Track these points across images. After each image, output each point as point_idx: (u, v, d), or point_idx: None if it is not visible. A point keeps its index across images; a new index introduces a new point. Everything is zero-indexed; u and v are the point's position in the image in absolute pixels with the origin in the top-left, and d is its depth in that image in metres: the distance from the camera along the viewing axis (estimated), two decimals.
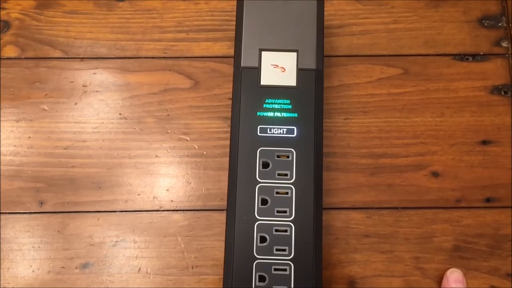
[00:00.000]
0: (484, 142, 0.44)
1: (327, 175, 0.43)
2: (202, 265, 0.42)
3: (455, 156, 0.44)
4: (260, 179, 0.38)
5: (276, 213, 0.38)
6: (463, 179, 0.44)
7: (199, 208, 0.43)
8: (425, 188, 0.44)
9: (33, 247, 0.42)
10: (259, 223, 0.38)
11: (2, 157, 0.44)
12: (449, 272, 0.41)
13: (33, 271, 0.42)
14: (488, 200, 0.43)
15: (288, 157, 0.39)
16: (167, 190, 0.43)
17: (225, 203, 0.38)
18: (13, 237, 0.42)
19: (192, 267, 0.42)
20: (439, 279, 0.41)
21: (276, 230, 0.38)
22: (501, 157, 0.44)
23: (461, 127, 0.45)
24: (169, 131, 0.45)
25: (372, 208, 0.43)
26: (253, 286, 0.37)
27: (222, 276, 0.39)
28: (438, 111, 0.45)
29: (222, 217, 0.42)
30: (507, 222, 0.43)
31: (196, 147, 0.44)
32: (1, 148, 0.44)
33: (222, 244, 0.39)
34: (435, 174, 0.44)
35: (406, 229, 0.43)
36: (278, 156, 0.39)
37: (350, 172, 0.44)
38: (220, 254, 0.41)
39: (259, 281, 0.37)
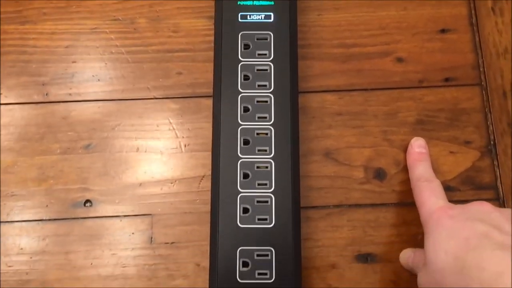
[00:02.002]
0: (443, 31, 0.49)
1: (304, 64, 0.48)
2: (193, 143, 0.47)
3: (417, 43, 0.49)
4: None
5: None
6: (424, 63, 0.49)
7: (188, 95, 0.48)
8: (390, 72, 0.49)
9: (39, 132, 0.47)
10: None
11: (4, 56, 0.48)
12: (413, 140, 0.46)
13: None
14: (447, 80, 0.48)
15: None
16: (160, 79, 0.48)
17: (211, 90, 0.44)
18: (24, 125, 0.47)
19: (185, 146, 0.47)
20: (404, 148, 0.47)
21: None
22: (458, 43, 0.49)
23: (422, 18, 0.50)
24: (159, 31, 0.49)
25: (344, 90, 0.48)
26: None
27: (210, 152, 0.44)
28: (401, 5, 0.50)
29: (209, 102, 0.47)
30: (464, 97, 0.48)
31: (185, 42, 0.49)
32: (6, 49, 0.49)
33: (210, 126, 0.44)
34: (399, 60, 0.49)
35: (375, 107, 0.48)
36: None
37: (324, 60, 0.49)
38: (208, 132, 0.46)
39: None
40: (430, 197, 0.40)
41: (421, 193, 0.41)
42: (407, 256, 0.43)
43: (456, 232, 0.36)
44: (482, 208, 0.37)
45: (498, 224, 0.35)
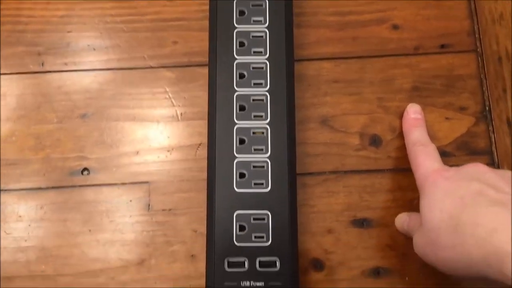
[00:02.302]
0: None
1: (300, 32, 0.48)
2: (189, 112, 0.47)
3: (413, 10, 0.49)
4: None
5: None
6: (420, 30, 0.49)
7: (184, 64, 0.48)
8: (386, 39, 0.49)
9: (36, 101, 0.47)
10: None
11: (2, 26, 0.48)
12: (409, 106, 0.46)
13: None
14: (442, 46, 0.48)
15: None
16: (156, 48, 0.48)
17: (207, 59, 0.44)
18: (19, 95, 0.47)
19: (181, 114, 0.47)
20: (400, 115, 0.47)
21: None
22: (454, 9, 0.49)
23: None
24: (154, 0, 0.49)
25: (340, 58, 0.48)
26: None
27: (206, 120, 0.44)
28: None
29: (205, 71, 0.47)
30: (459, 64, 0.48)
31: (180, 11, 0.49)
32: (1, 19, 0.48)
33: (206, 94, 0.44)
34: (395, 27, 0.49)
35: (371, 74, 0.48)
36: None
37: (319, 28, 0.49)
38: (204, 101, 0.46)
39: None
40: (425, 160, 0.41)
41: (416, 158, 0.42)
42: (402, 220, 0.43)
43: (451, 191, 0.36)
44: (477, 169, 0.37)
45: (493, 183, 0.35)
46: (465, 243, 0.34)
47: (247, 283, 0.39)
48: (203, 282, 0.41)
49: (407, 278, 0.44)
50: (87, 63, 0.48)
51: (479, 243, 0.33)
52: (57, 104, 0.47)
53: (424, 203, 0.38)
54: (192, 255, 0.44)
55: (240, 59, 0.44)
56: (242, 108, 0.43)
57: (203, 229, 0.43)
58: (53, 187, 0.45)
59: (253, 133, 0.42)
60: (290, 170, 0.42)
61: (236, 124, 0.42)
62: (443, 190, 0.37)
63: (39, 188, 0.45)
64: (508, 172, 0.37)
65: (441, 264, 0.36)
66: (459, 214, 0.35)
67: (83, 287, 0.43)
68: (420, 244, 0.39)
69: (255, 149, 0.42)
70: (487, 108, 0.47)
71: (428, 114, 0.47)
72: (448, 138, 0.46)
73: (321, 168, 0.46)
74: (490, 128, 0.47)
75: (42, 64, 0.48)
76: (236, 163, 0.42)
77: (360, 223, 0.45)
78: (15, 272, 0.43)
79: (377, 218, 0.45)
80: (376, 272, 0.44)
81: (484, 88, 0.47)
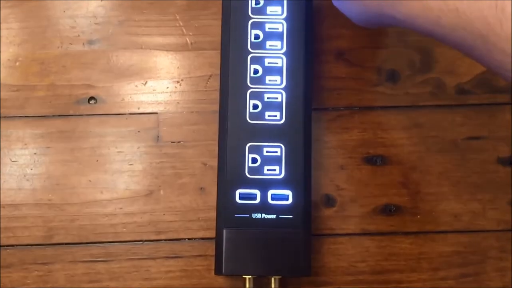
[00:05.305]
0: None
1: None
2: (200, 41, 0.45)
3: None
4: None
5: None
6: None
7: None
8: None
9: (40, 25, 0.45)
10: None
11: None
12: None
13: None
14: None
15: None
16: None
17: None
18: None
19: (191, 43, 0.45)
20: (419, 50, 0.45)
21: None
22: None
23: None
24: None
25: None
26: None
27: (219, 51, 0.42)
28: None
29: None
30: None
31: None
32: None
33: (219, 23, 0.42)
34: None
35: None
36: None
37: None
38: (216, 30, 0.44)
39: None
40: None
41: None
42: None
43: None
44: None
45: None
46: None
47: (259, 216, 0.39)
48: (212, 215, 0.40)
49: (418, 216, 0.43)
50: None
51: None
52: (62, 29, 0.45)
53: None
54: (201, 188, 0.43)
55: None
56: (257, 37, 0.41)
57: (213, 162, 0.42)
58: (59, 115, 0.44)
59: (268, 63, 0.40)
60: (305, 102, 0.40)
61: (250, 52, 0.40)
62: None
63: (45, 116, 0.44)
64: None
65: (349, 14, 0.36)
66: None
67: (91, 217, 0.43)
68: None
69: (269, 80, 0.40)
70: None
71: (449, 49, 0.45)
72: (468, 74, 0.45)
73: (336, 104, 0.45)
74: None
75: None
76: (250, 93, 0.40)
77: (374, 160, 0.44)
78: (21, 199, 0.43)
79: (391, 156, 0.44)
80: (388, 210, 0.43)
81: None
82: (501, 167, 0.44)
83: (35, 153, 0.43)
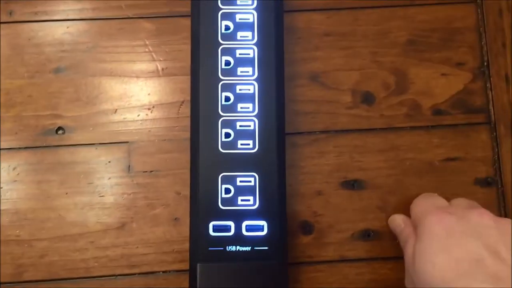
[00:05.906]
0: None
1: None
2: (171, 67, 0.44)
3: None
4: None
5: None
6: None
7: (166, 14, 0.45)
8: None
9: (4, 54, 0.44)
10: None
11: None
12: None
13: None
14: None
15: None
16: None
17: (189, 9, 0.40)
18: None
19: (162, 69, 0.44)
20: (395, 71, 0.44)
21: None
22: None
23: None
24: None
25: (332, 9, 0.45)
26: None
27: (189, 76, 0.41)
28: None
29: (187, 22, 0.43)
30: (458, 16, 0.45)
31: None
32: None
33: (190, 48, 0.41)
34: None
35: (364, 27, 0.45)
36: None
37: None
38: (188, 55, 0.43)
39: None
40: (427, 197, 0.39)
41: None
42: (396, 224, 0.41)
43: (449, 247, 0.34)
44: (482, 221, 0.34)
45: (494, 247, 0.33)
46: None
47: (233, 248, 0.38)
48: (187, 246, 0.39)
49: (397, 241, 0.42)
50: (59, 13, 0.44)
51: None
52: (28, 57, 0.44)
53: (419, 248, 0.35)
54: (175, 218, 0.42)
55: (225, 9, 0.40)
56: (227, 63, 0.40)
57: (186, 191, 0.41)
58: (26, 147, 0.43)
59: (240, 89, 0.39)
60: (278, 129, 0.39)
61: (221, 80, 0.39)
62: (440, 242, 0.34)
63: (11, 148, 0.42)
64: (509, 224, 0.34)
65: None
66: (451, 281, 0.32)
67: (61, 252, 0.41)
68: (411, 282, 0.37)
69: (241, 107, 0.39)
70: (485, 63, 0.45)
71: (424, 69, 0.45)
72: (443, 95, 0.44)
73: (311, 127, 0.44)
74: (488, 85, 0.44)
75: (11, 14, 0.44)
76: (221, 121, 0.39)
77: (351, 184, 0.43)
78: None
79: (368, 179, 0.43)
80: (366, 235, 0.42)
81: (482, 43, 0.45)
82: (479, 188, 0.43)
83: (1, 188, 0.42)
